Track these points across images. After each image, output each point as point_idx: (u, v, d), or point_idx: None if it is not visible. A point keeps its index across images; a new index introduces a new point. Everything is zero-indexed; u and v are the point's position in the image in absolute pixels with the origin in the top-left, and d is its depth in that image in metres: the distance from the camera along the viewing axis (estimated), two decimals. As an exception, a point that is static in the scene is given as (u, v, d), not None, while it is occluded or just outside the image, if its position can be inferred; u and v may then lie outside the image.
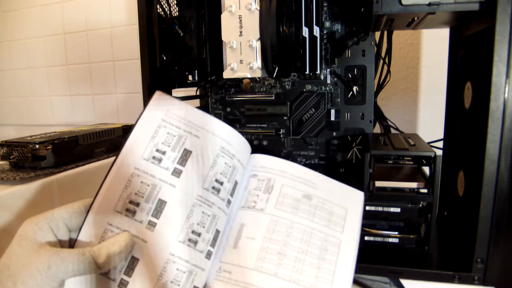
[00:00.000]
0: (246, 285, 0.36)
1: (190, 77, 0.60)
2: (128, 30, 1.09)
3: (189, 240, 0.36)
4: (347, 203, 0.42)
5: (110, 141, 0.81)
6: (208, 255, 0.37)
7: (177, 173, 0.37)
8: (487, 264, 0.41)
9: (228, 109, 0.65)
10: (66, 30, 1.17)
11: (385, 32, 0.58)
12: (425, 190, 0.45)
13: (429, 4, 0.39)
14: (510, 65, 0.38)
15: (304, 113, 0.60)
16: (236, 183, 0.41)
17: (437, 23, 0.51)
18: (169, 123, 0.39)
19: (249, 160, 0.44)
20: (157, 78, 0.52)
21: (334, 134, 0.59)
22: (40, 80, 1.25)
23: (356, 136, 0.58)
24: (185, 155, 0.38)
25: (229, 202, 0.40)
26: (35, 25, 1.21)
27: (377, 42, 0.57)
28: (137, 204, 0.36)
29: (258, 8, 0.46)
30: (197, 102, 0.67)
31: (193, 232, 0.36)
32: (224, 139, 0.40)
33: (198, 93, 0.64)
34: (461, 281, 0.43)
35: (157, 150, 0.37)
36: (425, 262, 0.45)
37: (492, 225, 0.40)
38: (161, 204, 0.36)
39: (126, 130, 0.87)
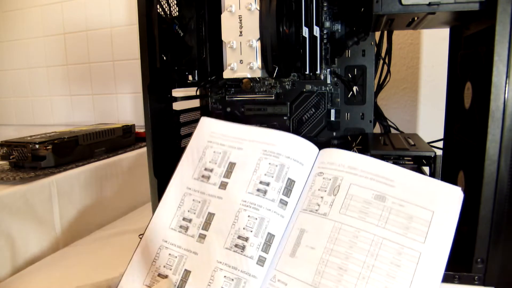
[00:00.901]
0: None
1: (190, 77, 0.60)
2: (128, 30, 1.09)
3: (236, 245, 0.35)
4: (435, 204, 0.34)
5: (110, 141, 0.81)
6: (261, 261, 0.35)
7: (223, 186, 0.39)
8: (487, 264, 0.41)
9: (228, 109, 0.65)
10: (66, 30, 1.17)
11: (385, 32, 0.58)
12: (425, 190, 0.45)
13: (429, 4, 0.39)
14: (510, 65, 0.38)
15: (304, 113, 0.60)
16: (291, 181, 0.38)
17: (437, 23, 0.51)
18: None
19: (319, 156, 0.40)
20: (157, 78, 0.52)
21: (334, 134, 0.59)
22: (40, 80, 1.25)
23: (356, 136, 0.58)
24: (230, 168, 0.39)
25: (283, 202, 0.37)
26: (35, 25, 1.21)
27: (377, 42, 0.57)
28: (190, 221, 0.39)
29: (258, 8, 0.46)
30: (197, 102, 0.67)
31: (239, 237, 0.36)
32: (264, 141, 0.40)
33: (198, 93, 0.64)
34: (461, 281, 0.42)
35: (206, 169, 0.41)
36: (425, 262, 0.45)
37: (492, 225, 0.40)
38: (210, 217, 0.38)
39: (126, 130, 0.87)
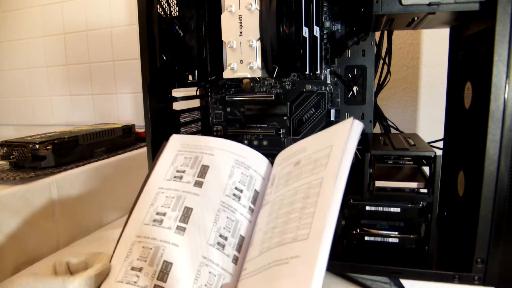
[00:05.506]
0: (256, 273, 0.35)
1: (190, 77, 0.60)
2: (128, 30, 1.09)
3: (218, 243, 0.38)
4: (333, 140, 0.37)
5: (110, 141, 0.81)
6: (235, 259, 0.38)
7: (198, 184, 0.41)
8: (487, 264, 0.41)
9: (228, 109, 0.65)
10: (66, 30, 1.17)
11: (385, 32, 0.58)
12: (425, 190, 0.45)
13: (429, 4, 0.39)
14: (510, 65, 0.38)
15: (304, 113, 0.60)
16: (256, 192, 0.43)
17: (437, 23, 0.51)
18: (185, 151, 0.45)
19: (267, 169, 0.46)
20: (157, 78, 0.52)
21: (334, 134, 0.59)
22: (40, 80, 1.25)
23: (356, 136, 0.58)
24: (204, 169, 0.43)
25: (250, 209, 0.42)
26: (35, 25, 1.21)
27: (377, 42, 0.57)
28: (164, 214, 0.40)
29: (258, 8, 0.46)
30: (197, 102, 0.67)
31: (220, 236, 0.38)
32: (235, 153, 0.44)
33: (198, 93, 0.64)
34: (461, 281, 0.42)
35: (177, 171, 0.43)
36: (425, 262, 0.45)
37: (492, 225, 0.40)
38: (188, 211, 0.39)
39: (126, 130, 0.87)
